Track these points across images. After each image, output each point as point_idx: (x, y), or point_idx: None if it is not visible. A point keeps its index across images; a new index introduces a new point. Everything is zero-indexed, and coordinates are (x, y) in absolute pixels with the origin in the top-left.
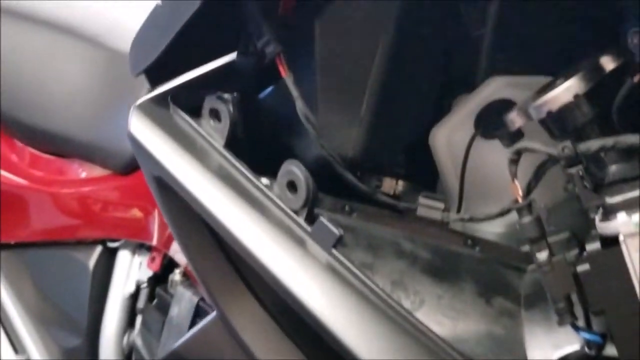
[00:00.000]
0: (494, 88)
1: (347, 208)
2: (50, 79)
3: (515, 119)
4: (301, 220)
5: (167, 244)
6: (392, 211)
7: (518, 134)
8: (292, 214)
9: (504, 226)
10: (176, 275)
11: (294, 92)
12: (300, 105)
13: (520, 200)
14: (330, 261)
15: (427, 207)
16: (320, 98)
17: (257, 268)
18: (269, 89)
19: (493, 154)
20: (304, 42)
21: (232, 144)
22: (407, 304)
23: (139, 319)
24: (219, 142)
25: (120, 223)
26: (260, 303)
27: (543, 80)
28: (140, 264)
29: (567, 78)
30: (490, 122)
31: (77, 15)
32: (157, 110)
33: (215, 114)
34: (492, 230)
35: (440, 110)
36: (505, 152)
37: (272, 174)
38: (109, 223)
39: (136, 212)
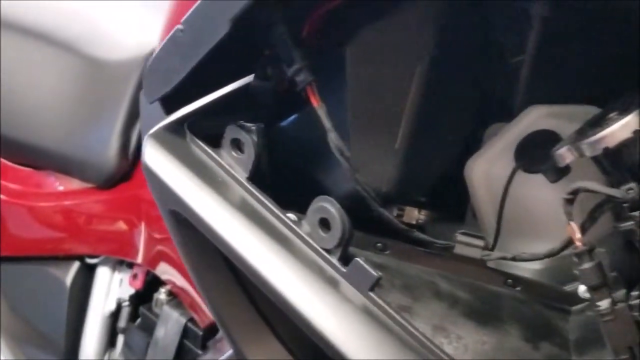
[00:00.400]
0: (534, 118)
1: (379, 245)
2: (23, 87)
3: (565, 155)
4: (334, 260)
5: (152, 262)
6: (427, 248)
7: (565, 170)
8: (324, 253)
9: (541, 262)
10: (161, 294)
11: (327, 124)
12: (333, 138)
13: (579, 243)
14: (367, 304)
15: (466, 244)
16: (352, 129)
17: (286, 309)
18: (292, 117)
19: (534, 188)
20: (332, 68)
21: (256, 177)
22: (450, 350)
23: (120, 339)
24: (241, 175)
25: (101, 238)
26: (285, 346)
27: (584, 110)
28: (121, 281)
29: (621, 112)
30: (532, 155)
31: (49, 19)
32: (172, 139)
33: (237, 145)
34: (528, 266)
35: (474, 140)
36: (548, 187)
37: (297, 208)
38: (89, 238)
39: (118, 228)
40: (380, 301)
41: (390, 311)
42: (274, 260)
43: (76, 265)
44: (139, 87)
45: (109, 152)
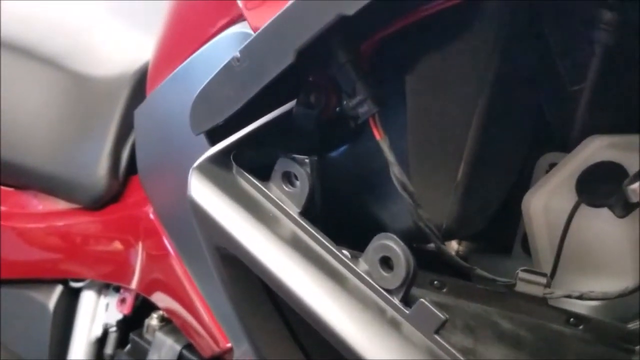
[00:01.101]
0: (595, 149)
1: (436, 283)
2: (7, 104)
3: (638, 190)
4: (396, 301)
5: (147, 287)
6: (486, 286)
7: (635, 205)
8: (385, 294)
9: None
10: (153, 320)
11: (390, 157)
12: (396, 172)
13: None
14: (433, 348)
15: (527, 282)
16: (412, 162)
17: (346, 354)
18: (342, 149)
19: (596, 223)
20: (391, 98)
21: (308, 212)
22: None
23: None
24: (293, 209)
25: (89, 262)
26: None
27: None
28: (107, 305)
29: None
30: (596, 188)
31: (34, 34)
32: (219, 171)
33: (288, 178)
34: (584, 303)
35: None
36: (612, 222)
37: (350, 245)
38: (77, 261)
39: (108, 251)
40: (446, 344)
41: (458, 355)
42: (333, 300)
43: (59, 288)
44: (130, 104)
45: (98, 171)
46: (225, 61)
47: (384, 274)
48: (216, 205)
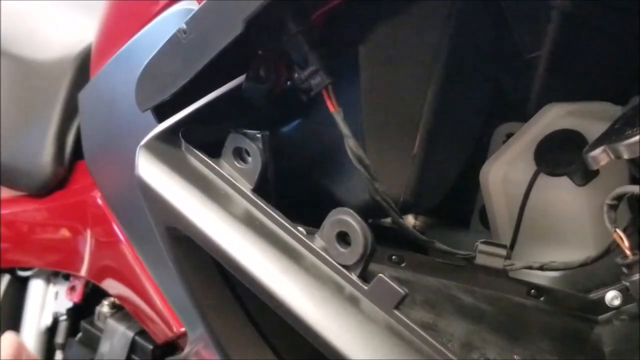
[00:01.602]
0: (553, 117)
1: (394, 258)
2: None
3: (600, 157)
4: (354, 277)
5: (98, 274)
6: (446, 259)
7: (594, 172)
8: (343, 270)
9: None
10: (104, 307)
11: (345, 130)
12: (352, 145)
13: (629, 253)
14: (393, 323)
15: (488, 254)
16: (367, 135)
17: (303, 331)
18: (295, 123)
19: (555, 192)
20: (343, 69)
21: (261, 188)
22: None
23: (58, 355)
24: (246, 186)
25: (37, 250)
26: None
27: (601, 107)
28: (57, 293)
29: None
30: (555, 157)
31: None
32: (167, 149)
33: (240, 154)
34: (545, 274)
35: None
36: (571, 190)
37: (305, 222)
38: (23, 250)
39: (56, 239)
40: (406, 320)
41: (418, 330)
42: (289, 278)
43: (7, 278)
44: (73, 87)
45: (43, 158)
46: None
47: (341, 249)
48: (165, 183)
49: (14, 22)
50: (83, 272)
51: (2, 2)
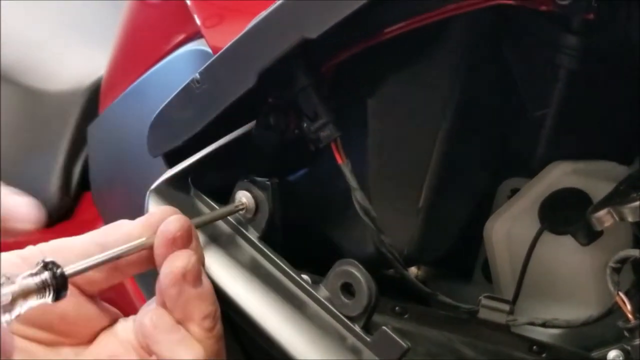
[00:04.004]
0: (558, 175)
1: (397, 309)
2: None
3: (604, 218)
4: (358, 328)
5: None
6: (447, 312)
7: (598, 233)
8: (347, 321)
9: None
10: None
11: (352, 182)
12: (359, 197)
13: (630, 317)
14: None
15: (491, 309)
16: (373, 187)
17: None
18: (301, 172)
19: (558, 250)
20: (350, 122)
21: (269, 236)
22: None
23: None
24: (252, 233)
25: None
26: None
27: (606, 166)
28: None
29: None
30: (559, 215)
31: None
32: (176, 194)
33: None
34: (549, 331)
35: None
36: (574, 250)
37: (311, 270)
38: None
39: None
40: None
41: None
42: (292, 327)
43: None
44: (82, 119)
45: (49, 189)
46: (182, 79)
47: (345, 300)
48: None
49: (24, 52)
50: None
51: (12, 33)
